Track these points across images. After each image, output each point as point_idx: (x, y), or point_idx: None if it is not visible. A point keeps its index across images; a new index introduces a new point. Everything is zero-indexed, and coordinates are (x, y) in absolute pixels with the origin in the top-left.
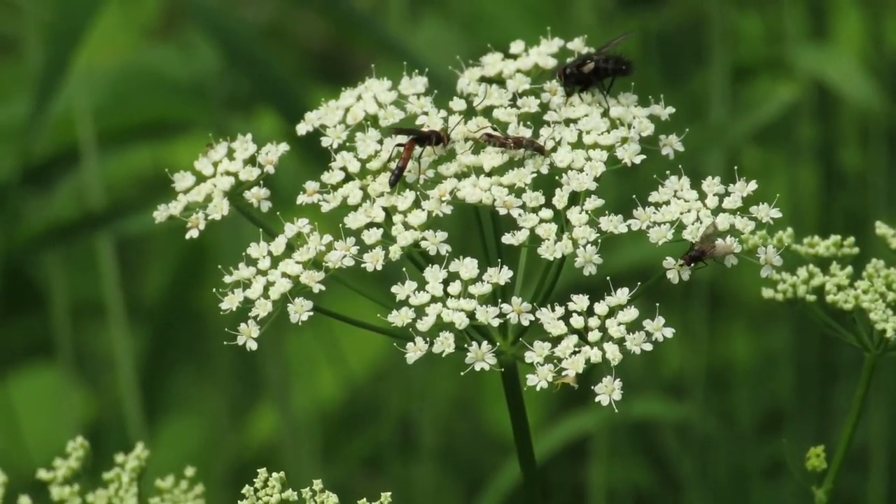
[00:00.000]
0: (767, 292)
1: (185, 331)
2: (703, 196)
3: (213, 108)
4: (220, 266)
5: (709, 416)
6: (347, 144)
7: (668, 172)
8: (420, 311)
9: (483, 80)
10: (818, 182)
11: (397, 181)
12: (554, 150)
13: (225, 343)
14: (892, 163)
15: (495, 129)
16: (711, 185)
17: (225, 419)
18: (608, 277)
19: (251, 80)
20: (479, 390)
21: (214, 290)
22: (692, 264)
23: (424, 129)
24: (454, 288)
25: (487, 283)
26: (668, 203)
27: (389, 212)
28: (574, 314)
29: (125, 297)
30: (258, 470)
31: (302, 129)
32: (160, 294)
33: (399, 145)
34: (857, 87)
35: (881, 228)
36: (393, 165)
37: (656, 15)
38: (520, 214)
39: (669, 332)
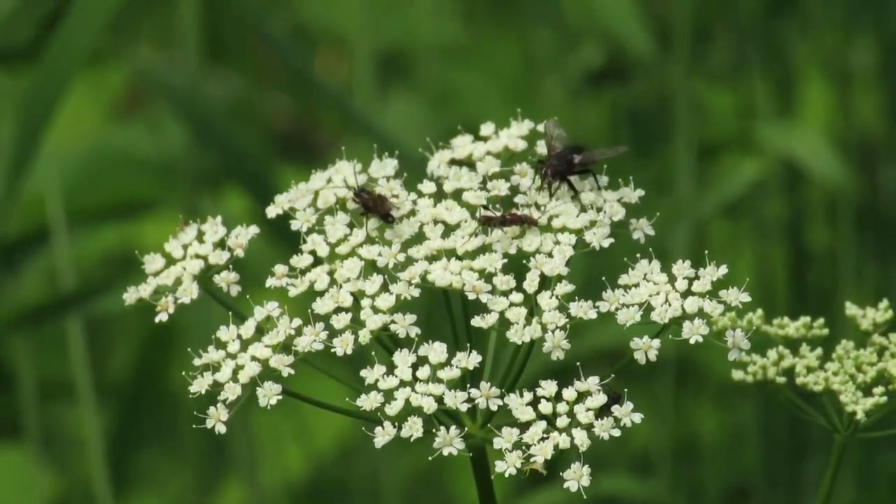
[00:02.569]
0: (737, 374)
1: (152, 409)
2: (672, 279)
3: (181, 187)
4: (189, 349)
5: (676, 492)
6: (317, 228)
7: (638, 255)
8: (389, 396)
9: (453, 162)
10: (787, 258)
11: (391, 218)
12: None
13: (194, 426)
14: (860, 239)
15: (488, 209)
16: (681, 268)
17: (192, 496)
18: (577, 364)
19: (219, 158)
20: (444, 463)
21: (183, 372)
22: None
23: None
24: (423, 372)
25: (456, 367)
26: (636, 285)
27: (357, 296)
28: (542, 400)
29: (92, 375)
30: None
31: (272, 211)
32: (128, 373)
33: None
34: (824, 164)
35: (851, 309)
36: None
37: (625, 91)
38: (489, 299)
39: (638, 418)
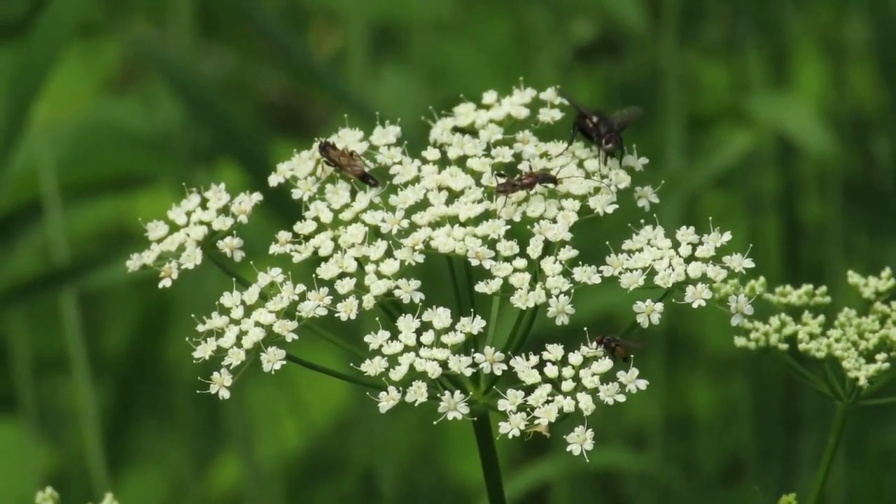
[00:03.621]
0: (740, 341)
1: (148, 384)
2: (676, 244)
3: (175, 161)
4: (187, 319)
5: (670, 465)
6: (318, 196)
7: (642, 221)
8: (393, 361)
9: (456, 129)
10: (779, 231)
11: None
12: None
13: (197, 392)
14: (851, 212)
15: (503, 175)
16: (685, 234)
17: (188, 470)
18: (585, 328)
19: (213, 132)
20: (441, 440)
21: (187, 338)
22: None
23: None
24: (427, 337)
25: (461, 332)
26: (640, 250)
27: (361, 262)
28: (548, 363)
29: (87, 350)
30: None
31: (274, 180)
32: (122, 348)
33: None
34: (813, 137)
35: (853, 278)
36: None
37: (616, 66)
38: (492, 265)
39: (643, 384)
